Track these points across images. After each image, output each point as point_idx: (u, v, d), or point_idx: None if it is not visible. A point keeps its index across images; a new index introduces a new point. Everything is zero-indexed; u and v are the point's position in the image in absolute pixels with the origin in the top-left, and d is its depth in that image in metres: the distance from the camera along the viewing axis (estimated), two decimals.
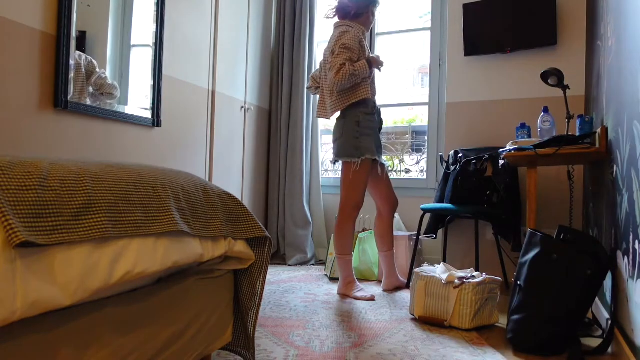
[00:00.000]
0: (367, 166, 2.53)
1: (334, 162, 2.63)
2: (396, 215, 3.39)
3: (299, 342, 1.72)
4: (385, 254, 2.74)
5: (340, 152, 2.55)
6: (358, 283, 2.61)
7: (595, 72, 2.42)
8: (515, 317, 1.75)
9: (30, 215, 0.75)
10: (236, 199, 1.35)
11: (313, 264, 3.62)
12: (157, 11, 2.63)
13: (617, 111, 1.74)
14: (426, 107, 3.56)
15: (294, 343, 1.72)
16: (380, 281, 3.01)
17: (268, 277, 3.04)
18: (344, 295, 2.55)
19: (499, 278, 2.07)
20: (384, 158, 2.73)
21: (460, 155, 3.01)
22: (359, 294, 2.49)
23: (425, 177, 3.60)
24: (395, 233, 3.19)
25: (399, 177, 3.78)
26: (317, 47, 3.81)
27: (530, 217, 2.16)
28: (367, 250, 3.08)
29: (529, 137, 2.40)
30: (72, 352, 0.86)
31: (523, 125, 2.42)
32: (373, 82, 2.65)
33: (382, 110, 2.79)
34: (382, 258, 2.76)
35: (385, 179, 2.71)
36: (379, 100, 3.77)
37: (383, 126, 2.77)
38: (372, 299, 2.46)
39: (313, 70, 3.77)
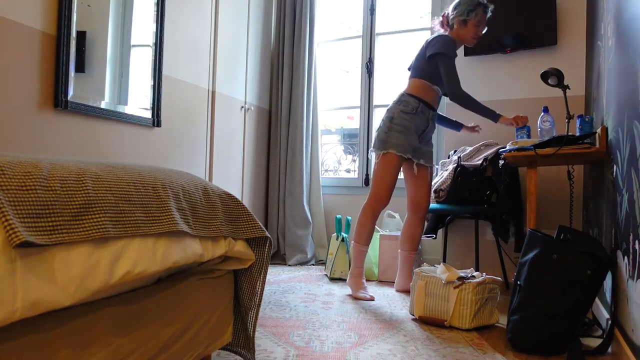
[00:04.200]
0: (393, 162, 2.55)
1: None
2: (396, 215, 3.40)
3: (299, 342, 1.72)
4: (405, 253, 2.73)
5: (373, 144, 2.65)
6: (364, 280, 2.60)
7: (595, 72, 2.41)
8: (515, 317, 1.75)
9: (30, 215, 0.75)
10: (236, 199, 1.35)
11: (313, 264, 3.62)
12: (157, 11, 2.63)
13: (617, 111, 1.74)
14: None
15: (294, 343, 1.72)
16: (380, 281, 3.02)
17: (268, 277, 3.04)
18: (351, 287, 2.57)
19: (499, 278, 2.08)
20: (433, 164, 2.75)
21: (460, 155, 3.01)
22: (359, 294, 2.49)
23: None
24: (395, 233, 3.19)
25: (399, 176, 3.77)
26: (317, 47, 3.81)
27: (530, 217, 2.16)
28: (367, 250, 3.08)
29: (529, 137, 2.40)
30: (72, 352, 0.86)
31: (523, 125, 2.42)
32: (438, 92, 2.68)
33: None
34: (402, 257, 2.74)
35: (422, 183, 2.71)
36: (382, 100, 3.79)
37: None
38: (371, 299, 2.46)
39: (312, 71, 3.78)
